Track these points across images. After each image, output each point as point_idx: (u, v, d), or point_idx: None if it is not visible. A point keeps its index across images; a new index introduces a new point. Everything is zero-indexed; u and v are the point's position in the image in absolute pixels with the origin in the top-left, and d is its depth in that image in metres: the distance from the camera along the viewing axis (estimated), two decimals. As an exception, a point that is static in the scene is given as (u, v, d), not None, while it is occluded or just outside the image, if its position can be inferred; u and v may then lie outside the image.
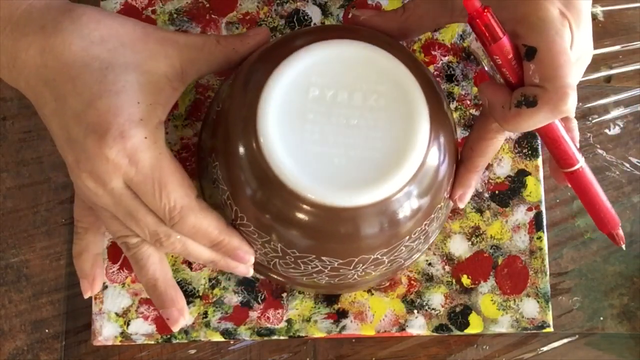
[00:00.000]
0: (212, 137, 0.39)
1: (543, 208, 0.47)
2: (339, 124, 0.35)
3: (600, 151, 0.49)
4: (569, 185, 0.38)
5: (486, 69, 0.44)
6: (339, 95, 0.36)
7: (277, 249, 0.37)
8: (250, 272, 0.40)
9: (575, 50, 0.34)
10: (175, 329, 0.41)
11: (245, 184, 0.36)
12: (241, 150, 0.35)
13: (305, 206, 0.34)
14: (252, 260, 0.39)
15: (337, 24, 0.47)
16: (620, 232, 0.38)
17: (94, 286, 0.42)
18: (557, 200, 0.48)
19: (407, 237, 0.37)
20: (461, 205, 0.40)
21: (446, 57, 0.48)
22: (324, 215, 0.35)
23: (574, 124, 0.39)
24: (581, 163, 0.36)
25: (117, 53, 0.36)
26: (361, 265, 0.37)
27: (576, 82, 0.34)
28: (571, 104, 0.32)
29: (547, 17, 0.33)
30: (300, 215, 0.35)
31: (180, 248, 0.38)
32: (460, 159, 0.40)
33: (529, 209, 0.47)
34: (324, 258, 0.37)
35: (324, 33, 0.38)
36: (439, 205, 0.38)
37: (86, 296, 0.43)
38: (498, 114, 0.35)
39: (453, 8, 0.38)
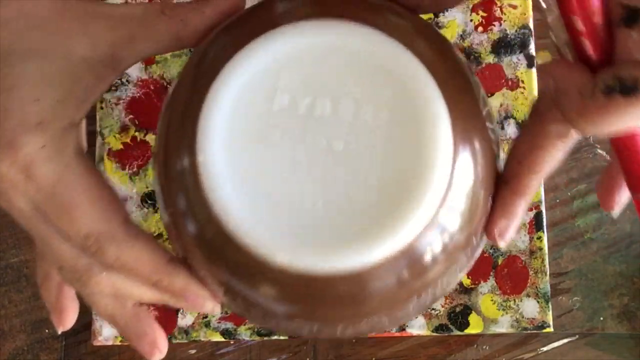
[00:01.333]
0: (157, 137, 0.29)
1: (543, 208, 0.47)
2: (316, 148, 0.25)
3: (600, 151, 0.49)
4: (614, 211, 0.30)
5: (553, 39, 0.29)
6: (318, 105, 0.25)
7: (237, 303, 0.28)
8: (216, 310, 0.30)
9: None
10: None
11: (186, 219, 0.26)
12: (179, 174, 0.26)
13: (262, 269, 0.25)
14: (209, 305, 0.30)
15: None
16: None
17: (64, 320, 0.33)
18: (557, 200, 0.48)
19: (410, 300, 0.27)
20: (502, 244, 0.29)
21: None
22: (288, 282, 0.25)
23: None
24: None
25: (21, 37, 0.28)
26: (350, 328, 0.28)
27: None
28: None
29: None
30: (257, 279, 0.25)
31: (109, 289, 0.29)
32: (503, 179, 0.29)
33: (529, 209, 0.47)
34: (297, 320, 0.27)
35: (314, 6, 0.27)
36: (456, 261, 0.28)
37: (59, 331, 0.34)
38: (572, 104, 0.25)
39: None
